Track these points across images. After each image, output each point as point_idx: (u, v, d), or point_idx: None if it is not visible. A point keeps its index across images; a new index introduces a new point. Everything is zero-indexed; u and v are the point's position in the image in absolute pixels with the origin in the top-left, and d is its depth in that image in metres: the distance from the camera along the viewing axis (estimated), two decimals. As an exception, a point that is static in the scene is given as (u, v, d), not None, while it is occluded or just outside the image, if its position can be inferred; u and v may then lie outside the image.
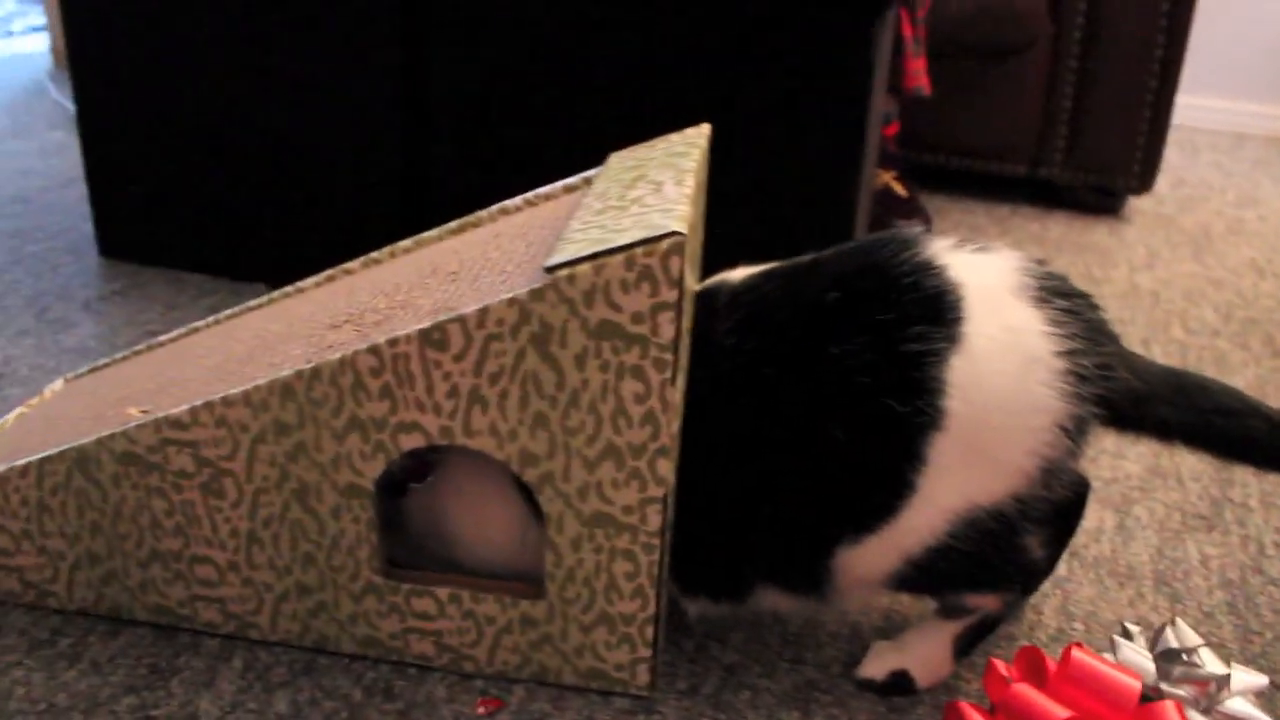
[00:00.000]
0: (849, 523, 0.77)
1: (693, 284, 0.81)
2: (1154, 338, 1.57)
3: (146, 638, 0.87)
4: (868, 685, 0.85)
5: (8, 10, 3.98)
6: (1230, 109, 3.03)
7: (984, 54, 2.08)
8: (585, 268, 0.70)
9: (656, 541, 0.77)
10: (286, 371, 0.77)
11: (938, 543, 0.76)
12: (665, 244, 0.69)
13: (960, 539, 0.76)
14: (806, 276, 0.79)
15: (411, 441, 0.77)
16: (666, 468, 0.75)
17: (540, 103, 1.37)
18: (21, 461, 0.84)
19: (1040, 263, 0.79)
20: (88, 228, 1.71)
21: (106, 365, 1.09)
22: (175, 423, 0.80)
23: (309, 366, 0.76)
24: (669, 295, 0.70)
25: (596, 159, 0.98)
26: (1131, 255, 1.96)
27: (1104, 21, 2.03)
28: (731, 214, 1.24)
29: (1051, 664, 0.76)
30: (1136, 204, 2.25)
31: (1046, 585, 0.97)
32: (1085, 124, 2.09)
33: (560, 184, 0.96)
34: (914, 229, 0.81)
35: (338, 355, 0.76)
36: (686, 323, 0.75)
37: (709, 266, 0.88)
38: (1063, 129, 2.10)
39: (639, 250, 0.69)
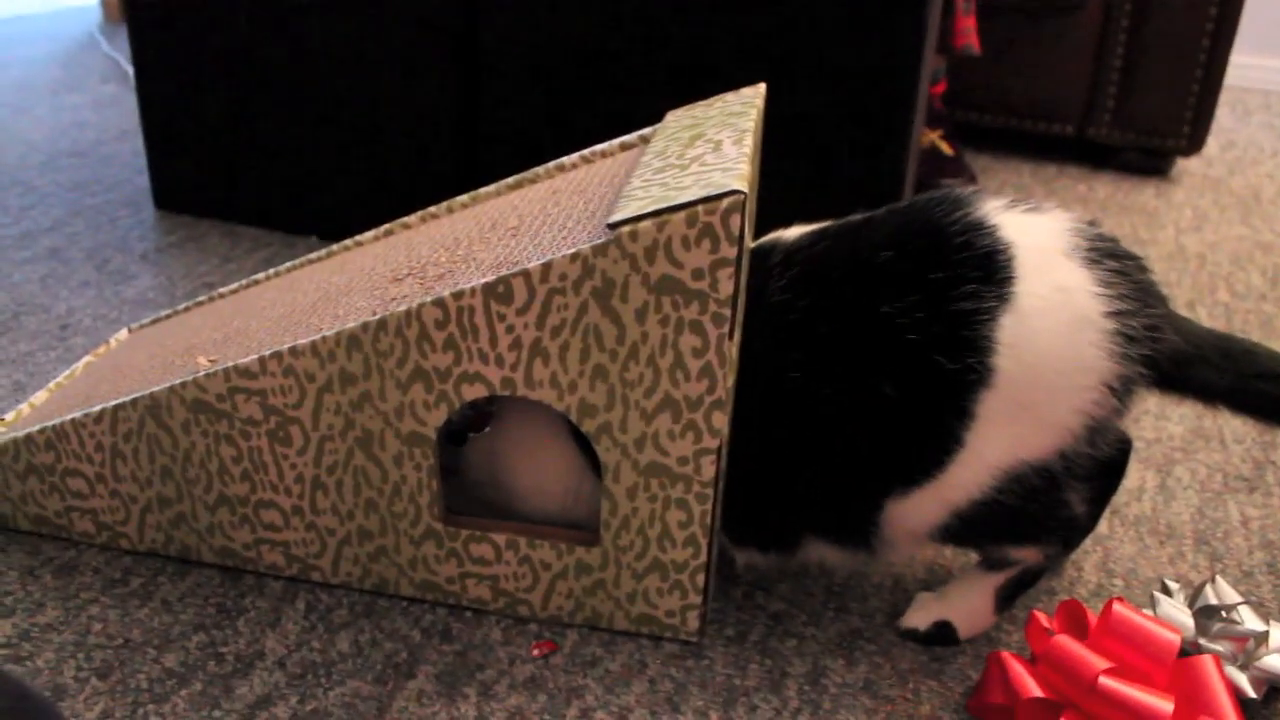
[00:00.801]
0: (898, 476, 0.79)
1: (749, 241, 0.82)
2: (1200, 300, 1.57)
3: (214, 579, 0.90)
4: (911, 635, 0.87)
5: (57, -37, 4.01)
6: (1284, 69, 2.99)
7: (1033, 11, 2.06)
8: (648, 224, 0.72)
9: (710, 492, 0.79)
10: (352, 323, 0.79)
11: (984, 497, 0.78)
12: (726, 202, 0.70)
13: (1006, 494, 0.77)
14: (859, 235, 0.81)
15: (474, 392, 0.79)
16: (721, 420, 0.77)
17: (593, 54, 1.38)
18: (95, 408, 0.87)
19: (1091, 224, 0.79)
20: (143, 180, 1.74)
21: (169, 316, 1.12)
22: (244, 371, 0.82)
23: (375, 318, 0.78)
24: (729, 252, 0.71)
25: (646, 115, 0.99)
26: (1179, 217, 1.94)
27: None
28: (781, 171, 1.25)
29: (1092, 617, 0.78)
30: (1185, 165, 2.23)
31: (1088, 542, 0.98)
32: (1135, 84, 2.07)
33: (617, 141, 0.97)
34: (966, 188, 0.81)
35: (403, 307, 0.78)
36: (744, 279, 0.76)
37: (761, 224, 0.88)
38: (1112, 89, 2.08)
39: (700, 208, 0.70)
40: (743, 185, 0.70)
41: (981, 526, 0.80)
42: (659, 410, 0.77)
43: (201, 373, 0.84)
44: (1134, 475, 1.11)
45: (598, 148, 0.98)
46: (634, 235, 0.72)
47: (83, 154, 1.94)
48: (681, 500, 0.80)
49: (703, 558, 0.82)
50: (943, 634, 0.86)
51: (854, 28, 1.26)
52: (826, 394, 0.79)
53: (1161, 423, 1.22)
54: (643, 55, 1.35)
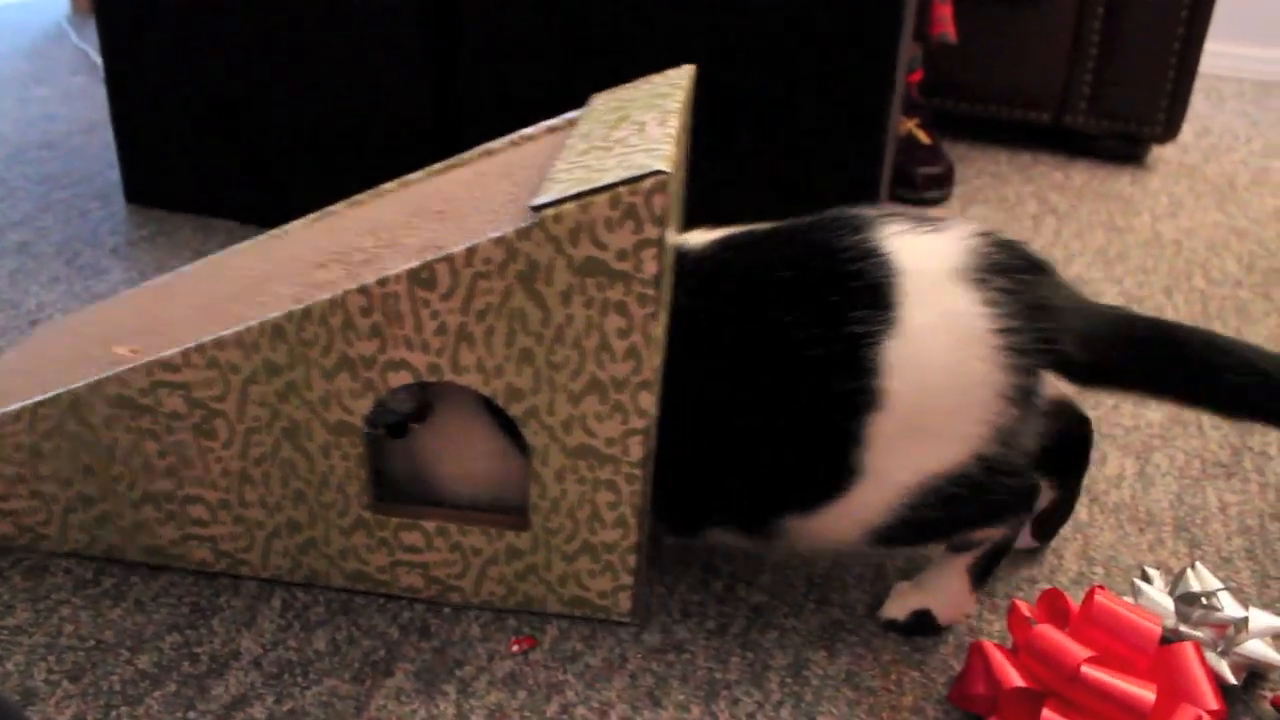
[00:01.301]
0: (795, 495, 0.81)
1: (675, 224, 0.81)
2: (1176, 286, 1.58)
3: (188, 578, 0.89)
4: (891, 625, 0.87)
5: (25, -46, 3.98)
6: (1258, 56, 2.98)
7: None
8: (571, 206, 0.71)
9: (639, 472, 0.79)
10: (275, 312, 0.78)
11: (902, 512, 0.79)
12: (649, 183, 0.69)
13: (925, 505, 0.78)
14: (762, 250, 0.82)
15: (399, 379, 0.78)
16: (649, 401, 0.76)
17: (566, 56, 1.36)
18: (14, 407, 0.85)
19: (991, 236, 0.81)
20: (114, 174, 1.71)
21: (92, 306, 1.10)
22: (167, 365, 0.81)
23: (299, 307, 0.77)
24: (653, 233, 0.70)
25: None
26: (1155, 204, 1.95)
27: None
28: (758, 159, 1.24)
29: (1073, 606, 0.78)
30: (1161, 153, 2.24)
31: (1067, 529, 0.98)
32: (1110, 72, 2.07)
33: (544, 125, 0.96)
34: (870, 209, 0.84)
35: (327, 295, 0.76)
36: (669, 260, 0.75)
37: (735, 211, 0.88)
38: (1088, 76, 2.08)
39: (623, 189, 0.70)
40: (666, 166, 0.70)
41: (914, 533, 0.82)
42: (586, 392, 0.76)
43: (121, 365, 0.82)
44: (1113, 462, 1.11)
45: (525, 131, 0.97)
46: (558, 218, 0.71)
47: (52, 146, 1.90)
48: (610, 482, 0.79)
49: (633, 538, 0.81)
50: (922, 623, 0.86)
51: (830, 13, 1.26)
52: (726, 403, 0.80)
53: (1140, 410, 1.22)
54: (614, 33, 1.34)
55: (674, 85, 0.89)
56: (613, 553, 0.82)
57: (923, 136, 1.91)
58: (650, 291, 0.73)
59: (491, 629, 0.84)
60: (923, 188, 1.85)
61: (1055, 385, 0.84)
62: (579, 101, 0.96)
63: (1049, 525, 0.95)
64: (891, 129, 1.34)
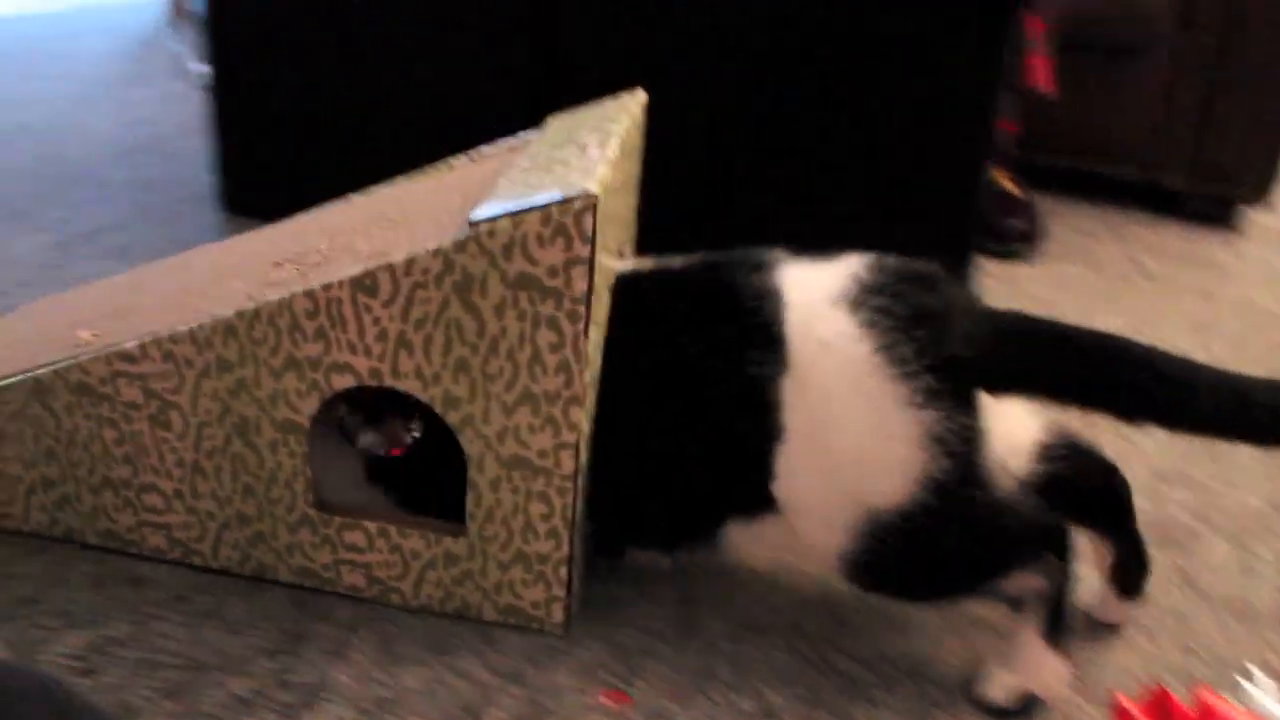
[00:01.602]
0: (708, 520, 0.85)
1: (615, 244, 0.84)
2: (1271, 358, 1.52)
3: (282, 601, 0.90)
4: (995, 709, 0.85)
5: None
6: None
7: (1103, 52, 2.01)
8: (505, 222, 0.74)
9: (570, 485, 0.81)
10: (227, 309, 0.82)
11: (858, 542, 0.80)
12: (579, 203, 0.73)
13: (893, 541, 0.79)
14: (675, 285, 0.86)
15: (343, 381, 0.82)
16: (579, 415, 0.79)
17: (666, 67, 1.35)
18: (-19, 388, 0.89)
19: (876, 260, 0.83)
20: (209, 179, 1.73)
21: (69, 292, 1.14)
22: (125, 356, 0.85)
23: (250, 306, 0.80)
24: (582, 251, 0.74)
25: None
26: (1249, 270, 1.90)
27: (1238, 25, 1.94)
28: (851, 202, 1.26)
29: (1181, 706, 0.73)
30: (1254, 216, 2.17)
31: (1164, 616, 0.97)
32: (1207, 131, 2.01)
33: (504, 142, 1.00)
34: (776, 252, 0.87)
35: (276, 295, 0.80)
36: (601, 278, 0.79)
37: (827, 246, 0.88)
38: (1184, 134, 2.03)
39: (555, 208, 0.73)
40: (595, 186, 0.73)
41: (904, 574, 0.83)
42: (519, 404, 0.80)
43: (80, 349, 0.86)
44: (1213, 549, 1.08)
45: (484, 148, 1.01)
46: (492, 232, 0.75)
47: (150, 150, 1.95)
48: (543, 493, 0.82)
49: (564, 550, 0.84)
50: (1025, 702, 0.85)
51: (925, 63, 1.25)
52: (642, 428, 0.84)
53: (1241, 494, 1.18)
54: (711, 77, 1.33)
55: (622, 109, 0.92)
56: (545, 563, 0.85)
57: (1013, 188, 1.87)
58: (580, 308, 0.76)
59: (583, 679, 0.84)
60: (1010, 241, 1.81)
61: (1058, 431, 0.86)
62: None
63: (1129, 578, 0.93)
64: (982, 180, 1.32)
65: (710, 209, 1.37)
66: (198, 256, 1.05)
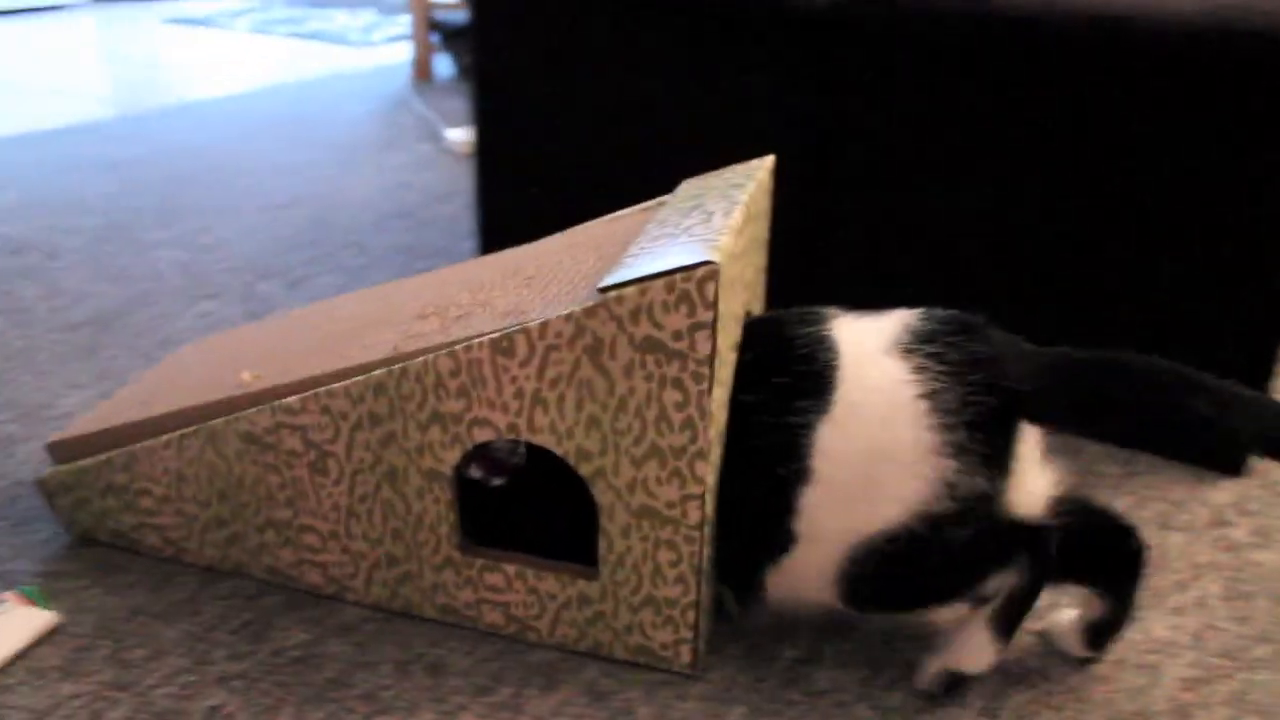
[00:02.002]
0: (756, 557, 0.89)
1: (740, 306, 0.88)
2: None
3: (582, 697, 0.90)
4: (929, 695, 0.90)
5: (368, 21, 4.34)
6: None
7: None
8: (632, 289, 0.79)
9: (696, 534, 0.85)
10: (374, 356, 0.89)
11: (849, 569, 0.86)
12: (701, 271, 0.77)
13: (871, 561, 0.84)
14: (750, 333, 0.91)
15: (483, 434, 0.87)
16: (704, 469, 0.83)
17: (954, 183, 1.31)
18: (164, 437, 0.98)
19: (927, 311, 0.87)
20: (468, 246, 1.82)
21: (229, 331, 1.24)
22: (288, 409, 0.92)
23: (399, 366, 0.87)
24: (704, 316, 0.78)
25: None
26: None
27: None
28: (1154, 298, 1.23)
29: None
30: None
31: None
32: None
33: (639, 206, 1.05)
34: (833, 308, 0.92)
35: (420, 344, 0.87)
36: (725, 340, 0.82)
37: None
38: None
39: (679, 276, 0.77)
40: (717, 256, 0.77)
41: (887, 593, 0.88)
42: (647, 458, 0.84)
43: (240, 388, 0.95)
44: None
45: (621, 212, 1.06)
46: (620, 299, 0.79)
47: (409, 214, 2.05)
48: (671, 542, 0.86)
49: (693, 595, 0.88)
50: (951, 683, 0.89)
51: (1237, 194, 1.17)
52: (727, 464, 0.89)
53: None
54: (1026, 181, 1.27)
55: (749, 175, 0.96)
56: (674, 608, 0.89)
57: None
58: (704, 369, 0.80)
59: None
60: None
61: (1071, 490, 0.88)
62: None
63: (1100, 635, 0.93)
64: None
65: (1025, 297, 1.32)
66: (348, 303, 1.13)
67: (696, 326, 0.79)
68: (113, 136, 2.52)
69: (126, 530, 1.04)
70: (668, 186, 1.10)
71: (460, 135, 2.52)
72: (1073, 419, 0.86)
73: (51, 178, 2.19)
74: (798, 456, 0.85)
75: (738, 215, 0.86)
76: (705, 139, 1.43)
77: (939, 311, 0.88)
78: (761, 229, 0.99)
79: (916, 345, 0.85)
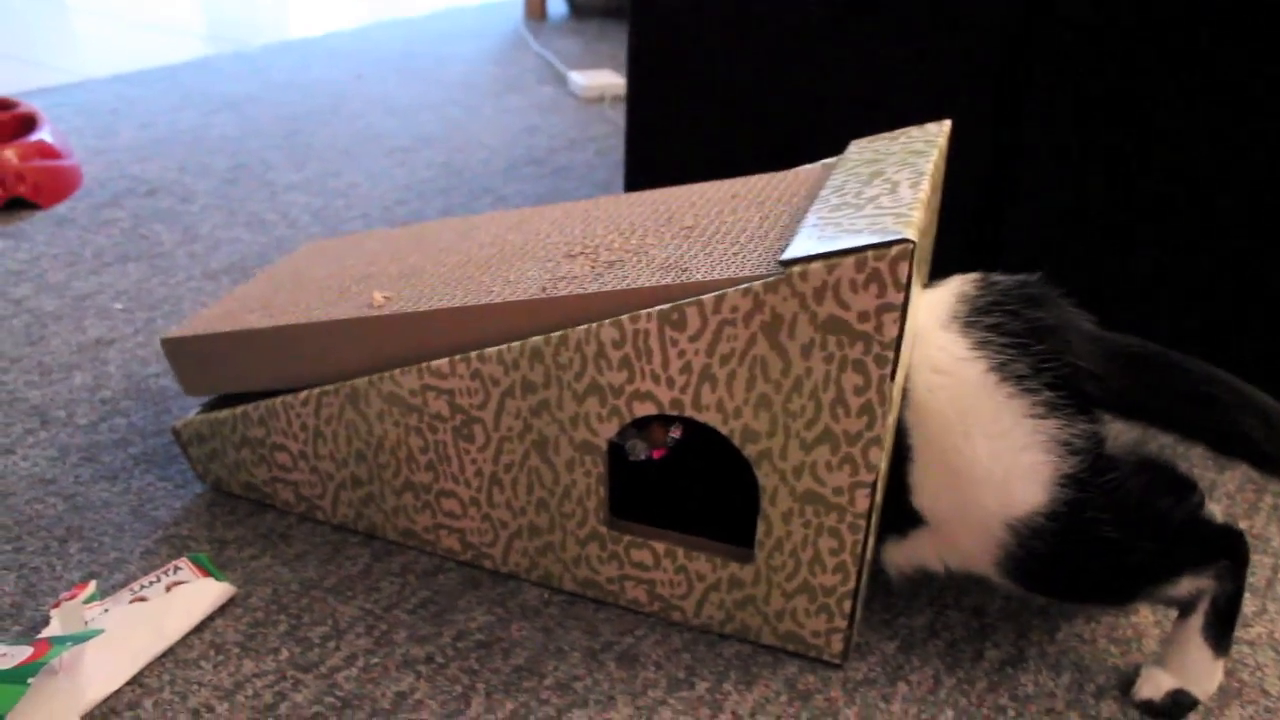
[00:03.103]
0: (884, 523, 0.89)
1: (921, 282, 0.84)
2: None
3: (782, 694, 0.86)
4: (1147, 708, 0.86)
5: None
6: None
7: None
8: (818, 265, 0.74)
9: (863, 523, 0.82)
10: (519, 294, 0.86)
11: (1006, 550, 0.83)
12: (895, 250, 0.72)
13: (1038, 537, 0.81)
14: None
15: (644, 409, 0.84)
16: (878, 455, 0.79)
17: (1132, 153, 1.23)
18: (303, 393, 0.95)
19: (982, 278, 0.86)
20: (597, 194, 1.76)
21: (353, 236, 1.21)
22: (436, 371, 0.89)
23: (557, 333, 0.83)
24: (894, 298, 0.73)
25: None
26: None
27: None
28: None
29: None
30: None
31: None
32: None
33: (806, 166, 1.00)
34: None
35: (571, 290, 0.83)
36: (910, 322, 0.78)
37: None
38: None
39: (870, 253, 0.73)
40: (913, 234, 0.72)
41: (1055, 578, 0.85)
42: (818, 442, 0.80)
43: (373, 309, 0.92)
44: None
45: (788, 172, 1.01)
46: (804, 275, 0.75)
47: (539, 162, 2.01)
48: (834, 529, 0.83)
49: (851, 584, 0.84)
50: (1179, 702, 0.85)
51: None
52: None
53: None
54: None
55: (930, 142, 0.91)
56: (830, 596, 0.85)
57: None
58: (888, 353, 0.76)
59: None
60: None
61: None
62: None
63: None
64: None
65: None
66: (481, 224, 1.09)
67: (885, 308, 0.74)
68: (221, 74, 2.50)
69: (260, 484, 1.02)
70: (831, 142, 1.05)
71: (585, 79, 2.47)
72: (1122, 409, 0.83)
73: (171, 116, 2.18)
74: (900, 434, 0.85)
75: (925, 187, 0.81)
76: (875, 95, 1.37)
77: (1000, 278, 0.86)
78: (937, 200, 0.94)
79: (976, 318, 0.83)
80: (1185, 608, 0.85)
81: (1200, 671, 0.85)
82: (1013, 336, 0.81)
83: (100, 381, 1.23)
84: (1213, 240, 1.20)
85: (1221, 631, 0.84)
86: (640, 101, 1.57)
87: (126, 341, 1.32)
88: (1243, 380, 0.81)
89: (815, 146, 1.11)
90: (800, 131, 1.44)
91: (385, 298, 0.94)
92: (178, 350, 1.03)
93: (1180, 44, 1.15)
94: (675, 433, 0.97)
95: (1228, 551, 0.82)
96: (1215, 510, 0.86)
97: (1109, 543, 0.81)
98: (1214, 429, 0.81)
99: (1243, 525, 1.07)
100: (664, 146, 1.57)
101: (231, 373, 1.01)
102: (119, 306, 1.41)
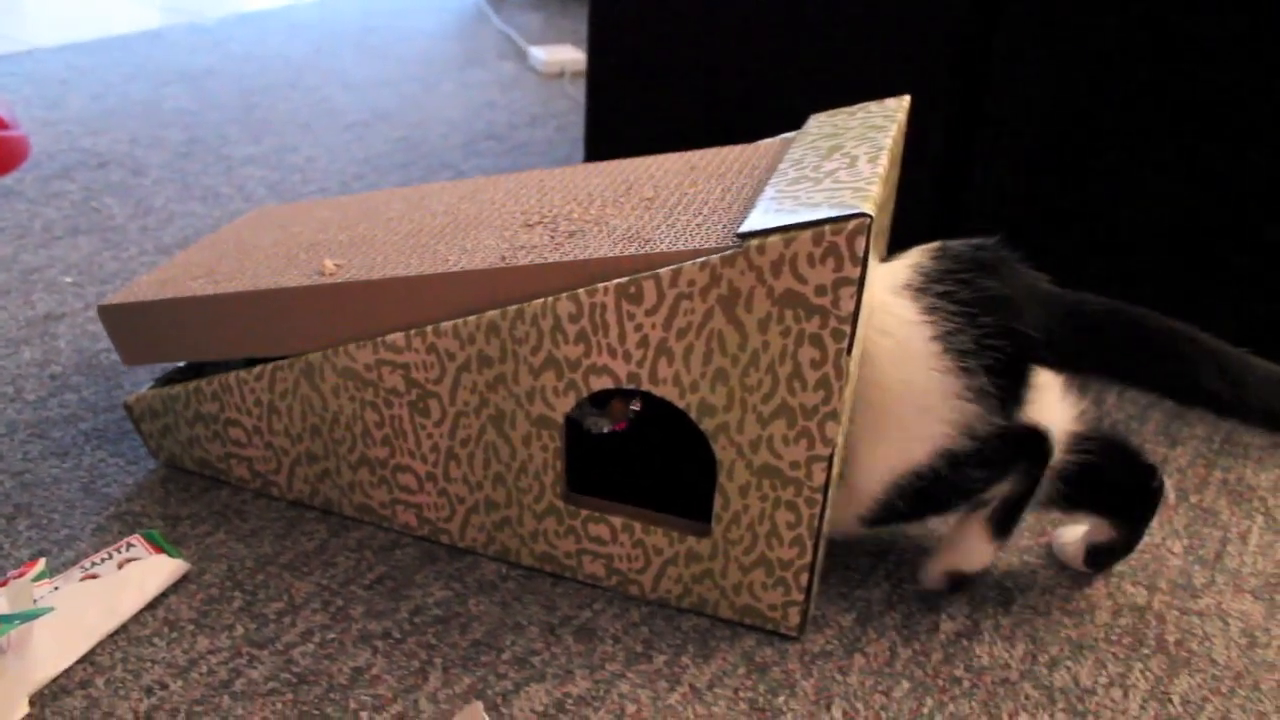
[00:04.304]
0: None
1: (877, 256, 0.84)
2: None
3: (739, 666, 0.86)
4: (930, 594, 0.94)
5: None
6: None
7: None
8: (775, 239, 0.74)
9: (819, 497, 0.82)
10: (477, 264, 0.85)
11: (877, 503, 0.88)
12: (852, 224, 0.72)
13: (898, 497, 0.87)
14: None
15: (600, 383, 0.83)
16: (834, 430, 0.79)
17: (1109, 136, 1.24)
18: (256, 368, 0.94)
19: (939, 247, 0.87)
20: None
21: (302, 203, 1.19)
22: (391, 345, 0.88)
23: (514, 307, 0.83)
24: (852, 272, 0.73)
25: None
26: None
27: None
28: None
29: None
30: None
31: None
32: None
33: (765, 141, 1.00)
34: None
35: (531, 260, 0.82)
36: (865, 297, 0.78)
37: None
38: None
39: (828, 227, 0.73)
40: (870, 208, 0.72)
41: (898, 515, 0.89)
42: (775, 416, 0.80)
43: (323, 279, 0.90)
44: None
45: (748, 145, 1.01)
46: (761, 248, 0.75)
47: (499, 138, 1.99)
48: (791, 503, 0.83)
49: (808, 558, 0.85)
50: (955, 582, 0.93)
51: None
52: None
53: None
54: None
55: (889, 117, 0.91)
56: (788, 569, 0.86)
57: None
58: (845, 327, 0.76)
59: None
60: None
61: (1093, 425, 0.90)
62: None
63: (1103, 557, 0.97)
64: None
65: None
66: (432, 193, 1.07)
67: (842, 282, 0.74)
68: (176, 45, 2.46)
69: (214, 460, 1.01)
70: (792, 115, 1.04)
71: (546, 54, 2.45)
72: (1080, 366, 0.87)
73: (123, 87, 2.14)
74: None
75: (884, 161, 0.81)
76: (835, 69, 1.38)
77: (954, 245, 0.87)
78: (895, 174, 0.94)
79: (926, 285, 0.84)
80: (980, 505, 0.90)
81: (971, 550, 0.91)
82: (961, 305, 0.82)
83: (49, 357, 1.22)
84: (1176, 206, 1.22)
85: (1004, 521, 0.89)
86: (601, 76, 1.56)
87: (77, 316, 1.30)
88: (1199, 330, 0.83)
89: (775, 121, 1.11)
90: (759, 106, 1.44)
91: (336, 266, 0.93)
92: (117, 318, 1.01)
93: (1142, 12, 1.16)
94: (635, 406, 0.97)
95: (1027, 453, 0.86)
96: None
97: (944, 495, 0.87)
98: (1171, 381, 0.84)
99: (1193, 499, 1.09)
100: (624, 121, 1.57)
101: (174, 342, 0.99)
102: (69, 280, 1.38)
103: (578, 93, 2.30)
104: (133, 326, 1.00)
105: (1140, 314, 0.84)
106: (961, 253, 0.86)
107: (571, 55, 2.46)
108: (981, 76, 1.28)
